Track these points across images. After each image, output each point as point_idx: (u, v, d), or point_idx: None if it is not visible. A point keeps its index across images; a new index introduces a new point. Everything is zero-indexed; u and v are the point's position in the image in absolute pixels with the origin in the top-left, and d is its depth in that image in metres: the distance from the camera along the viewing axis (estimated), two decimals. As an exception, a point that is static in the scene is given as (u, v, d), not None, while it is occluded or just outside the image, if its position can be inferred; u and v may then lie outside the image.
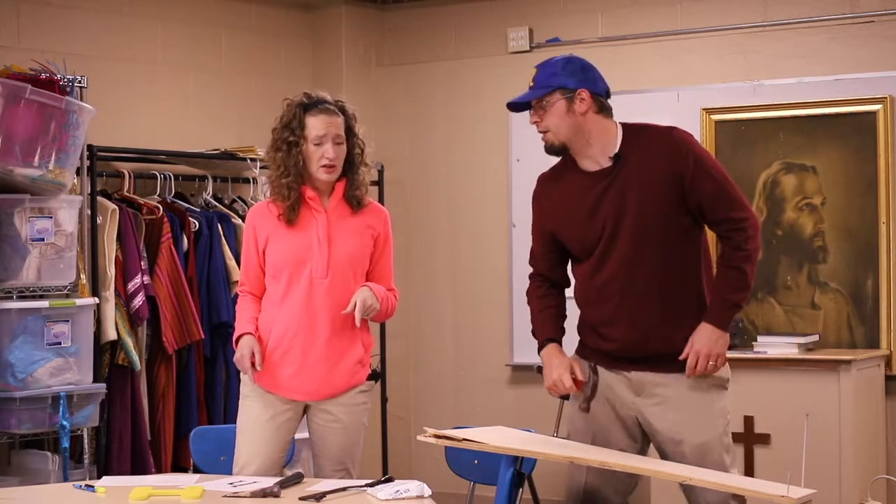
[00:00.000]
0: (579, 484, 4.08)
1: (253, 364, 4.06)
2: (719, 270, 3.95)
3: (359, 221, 4.15)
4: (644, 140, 3.92)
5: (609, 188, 3.90)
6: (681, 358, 3.89)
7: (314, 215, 4.12)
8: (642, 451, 4.05)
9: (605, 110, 3.95)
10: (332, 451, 4.16)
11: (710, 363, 3.88)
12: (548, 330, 4.07)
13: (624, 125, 3.96)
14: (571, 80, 3.91)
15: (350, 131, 4.13)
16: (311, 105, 4.10)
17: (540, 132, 3.97)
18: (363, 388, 4.20)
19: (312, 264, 4.08)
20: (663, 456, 3.98)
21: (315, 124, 4.06)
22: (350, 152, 4.13)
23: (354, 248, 4.12)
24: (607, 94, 3.98)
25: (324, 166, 4.06)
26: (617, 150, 3.90)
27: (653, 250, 3.89)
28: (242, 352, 4.11)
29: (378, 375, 4.28)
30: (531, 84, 3.98)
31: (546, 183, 4.09)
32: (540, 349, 4.07)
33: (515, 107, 4.05)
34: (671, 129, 3.93)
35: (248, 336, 4.14)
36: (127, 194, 5.95)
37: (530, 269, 4.17)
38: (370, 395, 4.28)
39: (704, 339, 3.88)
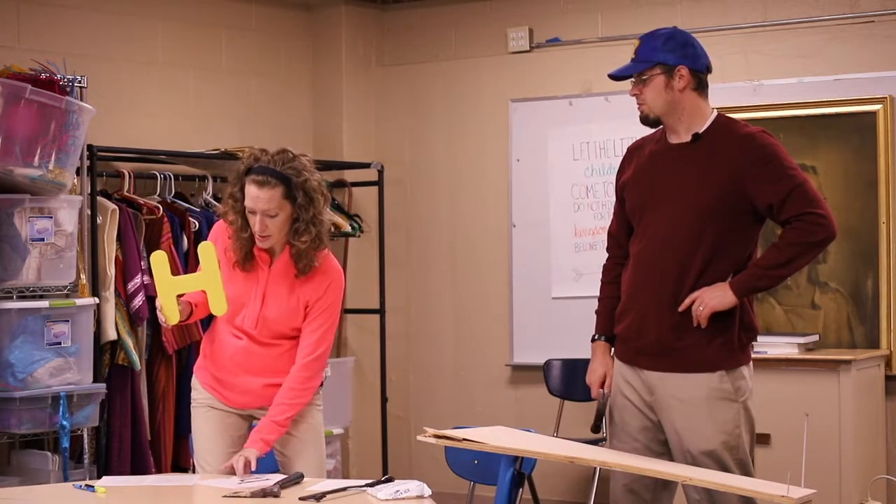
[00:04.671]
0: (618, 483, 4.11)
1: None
2: (768, 246, 3.97)
3: (297, 289, 4.06)
4: (727, 131, 3.99)
5: (677, 161, 3.99)
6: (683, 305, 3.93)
7: (258, 272, 4.07)
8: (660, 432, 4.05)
9: (702, 87, 4.02)
10: (297, 461, 4.10)
11: (698, 307, 3.89)
12: (602, 324, 4.18)
13: (718, 113, 4.04)
14: (672, 56, 3.97)
15: (293, 199, 3.96)
16: (251, 171, 3.96)
17: (638, 104, 4.04)
18: None
19: (245, 314, 4.06)
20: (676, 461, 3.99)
21: (248, 193, 3.96)
22: (294, 220, 3.99)
23: (284, 314, 4.05)
24: (708, 70, 4.04)
25: (256, 234, 3.99)
26: (700, 131, 3.98)
27: (691, 235, 3.92)
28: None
29: (320, 384, 4.19)
30: (633, 56, 4.04)
31: (633, 149, 4.20)
32: (592, 339, 4.20)
33: (617, 77, 4.09)
34: (757, 131, 3.98)
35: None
36: (127, 194, 5.95)
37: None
38: (319, 398, 4.20)
39: (710, 289, 3.90)
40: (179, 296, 4.00)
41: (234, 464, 3.89)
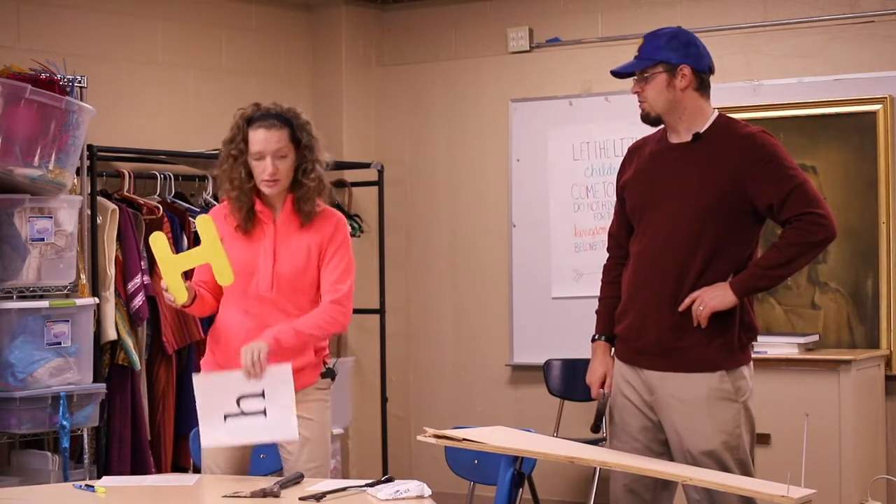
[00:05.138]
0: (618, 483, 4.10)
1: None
2: (769, 246, 3.97)
3: (306, 235, 4.09)
4: (728, 131, 3.99)
5: (678, 161, 3.99)
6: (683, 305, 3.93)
7: (264, 229, 4.09)
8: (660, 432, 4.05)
9: (704, 87, 4.02)
10: (301, 459, 4.07)
11: (698, 307, 3.89)
12: (602, 324, 4.18)
13: (719, 113, 4.04)
14: (675, 55, 3.98)
15: (298, 142, 4.06)
16: (254, 119, 4.06)
17: (639, 101, 4.04)
18: (317, 384, 4.16)
19: (258, 278, 4.06)
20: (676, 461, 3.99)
21: (254, 139, 4.03)
22: (298, 165, 4.06)
23: (299, 265, 4.06)
24: (710, 71, 4.05)
25: (265, 181, 4.03)
26: (700, 131, 3.98)
27: (691, 235, 3.92)
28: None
29: (333, 374, 4.19)
30: (636, 54, 4.04)
31: (633, 149, 4.20)
32: (593, 339, 4.20)
33: (619, 75, 4.10)
34: (757, 131, 3.98)
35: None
36: (127, 194, 5.95)
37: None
38: (329, 394, 4.21)
39: (710, 288, 3.90)
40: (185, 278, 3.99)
41: (241, 358, 3.87)
